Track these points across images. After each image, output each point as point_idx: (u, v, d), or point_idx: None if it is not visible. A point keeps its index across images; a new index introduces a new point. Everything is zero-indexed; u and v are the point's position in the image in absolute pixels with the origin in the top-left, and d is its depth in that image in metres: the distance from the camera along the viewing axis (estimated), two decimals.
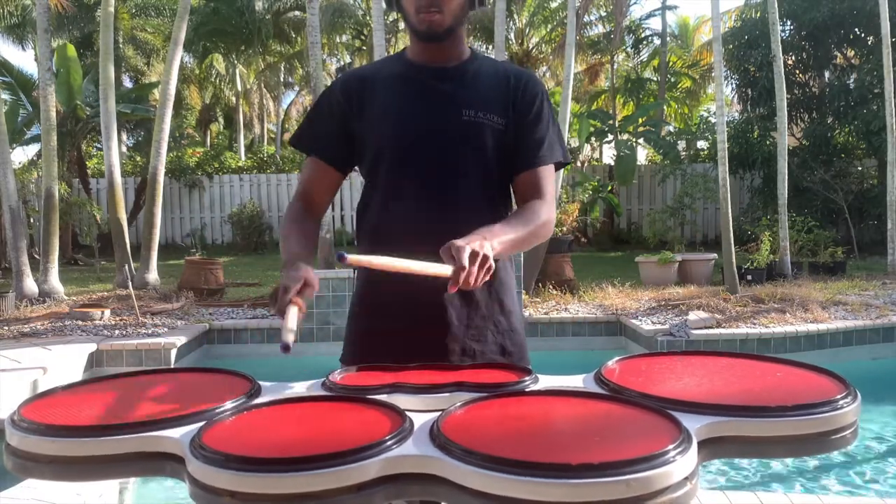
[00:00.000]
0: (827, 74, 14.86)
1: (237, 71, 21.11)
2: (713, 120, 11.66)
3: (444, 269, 1.20)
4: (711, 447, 1.04)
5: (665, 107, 17.60)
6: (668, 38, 17.97)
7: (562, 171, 10.51)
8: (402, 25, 18.23)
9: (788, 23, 13.62)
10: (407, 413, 1.08)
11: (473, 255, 1.19)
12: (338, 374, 1.35)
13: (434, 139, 1.49)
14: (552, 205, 1.52)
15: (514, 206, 1.60)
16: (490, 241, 1.26)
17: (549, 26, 18.29)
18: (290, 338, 1.15)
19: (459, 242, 1.21)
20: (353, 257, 1.14)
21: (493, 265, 1.24)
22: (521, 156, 1.53)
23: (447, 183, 1.48)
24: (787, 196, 9.15)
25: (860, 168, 13.33)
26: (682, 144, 15.56)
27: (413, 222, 1.48)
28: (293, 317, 1.21)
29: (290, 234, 1.50)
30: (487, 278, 1.23)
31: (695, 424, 1.02)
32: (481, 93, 1.51)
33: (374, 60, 1.80)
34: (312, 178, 1.59)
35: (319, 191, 1.59)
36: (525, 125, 1.52)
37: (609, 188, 13.81)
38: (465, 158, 1.49)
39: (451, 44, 1.51)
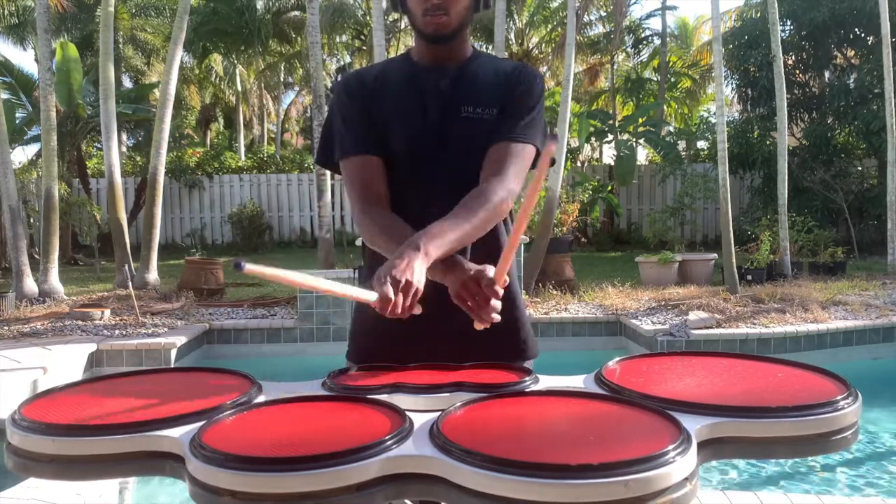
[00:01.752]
0: (827, 74, 14.86)
1: (237, 71, 21.12)
2: (713, 120, 11.66)
3: (369, 295, 1.11)
4: (712, 448, 1.04)
5: (665, 107, 17.60)
6: (668, 38, 17.97)
7: (561, 170, 10.52)
8: (401, 25, 18.24)
9: (788, 23, 13.62)
10: (407, 413, 1.08)
11: (396, 283, 1.14)
12: (338, 373, 1.35)
13: (437, 137, 1.49)
14: (510, 181, 1.43)
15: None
16: (422, 256, 1.21)
17: (549, 26, 18.30)
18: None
19: (383, 271, 1.15)
20: (251, 267, 0.94)
21: (421, 287, 1.18)
22: (497, 131, 1.49)
23: (456, 182, 1.48)
24: (787, 196, 9.15)
25: (860, 168, 13.33)
26: (682, 144, 15.57)
27: (425, 224, 1.48)
28: None
29: (388, 230, 1.39)
30: (412, 304, 1.17)
31: (695, 425, 1.02)
32: (480, 89, 1.52)
33: (377, 61, 1.80)
34: (367, 176, 1.48)
35: (381, 185, 1.49)
36: (511, 107, 1.50)
37: (609, 188, 13.82)
38: (466, 154, 1.50)
39: (457, 45, 1.52)
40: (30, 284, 7.76)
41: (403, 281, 1.15)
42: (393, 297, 1.12)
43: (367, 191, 1.47)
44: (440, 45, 1.49)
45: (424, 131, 1.50)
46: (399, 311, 1.15)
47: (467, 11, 1.48)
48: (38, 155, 13.06)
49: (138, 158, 16.16)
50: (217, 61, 20.82)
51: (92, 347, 5.68)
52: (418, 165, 1.50)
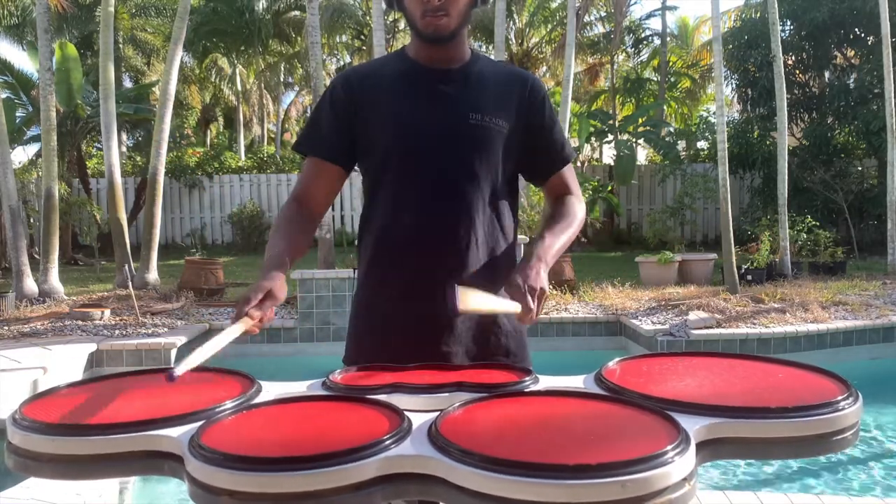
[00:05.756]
0: (827, 74, 14.86)
1: (237, 71, 21.12)
2: (713, 120, 11.66)
3: (510, 306, 1.28)
4: (711, 448, 1.04)
5: (665, 107, 17.59)
6: (668, 38, 17.97)
7: None
8: (401, 25, 18.23)
9: (788, 23, 13.62)
10: (406, 413, 1.08)
11: (533, 293, 1.30)
12: (337, 373, 1.35)
13: (441, 143, 1.48)
14: (581, 198, 1.64)
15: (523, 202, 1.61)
16: (544, 265, 1.38)
17: (549, 26, 18.30)
18: (178, 370, 1.11)
19: (519, 281, 1.31)
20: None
21: (547, 291, 1.34)
22: (546, 160, 1.59)
23: (454, 185, 1.48)
24: (787, 196, 9.15)
25: (860, 168, 13.32)
26: (682, 144, 15.57)
27: (421, 225, 1.48)
28: (209, 347, 1.19)
29: (277, 233, 1.48)
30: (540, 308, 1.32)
31: (694, 425, 1.02)
32: (486, 96, 1.51)
33: (373, 59, 1.79)
34: (311, 178, 1.55)
35: (318, 191, 1.55)
36: (542, 130, 1.56)
37: (609, 188, 13.81)
38: (471, 161, 1.49)
39: (455, 45, 1.50)
40: (30, 284, 7.76)
41: (539, 289, 1.32)
42: (534, 307, 1.29)
43: (300, 190, 1.55)
44: (439, 45, 1.48)
45: (426, 135, 1.49)
46: (535, 317, 1.30)
47: (467, 11, 1.46)
48: (38, 155, 13.06)
49: (138, 158, 16.15)
50: (221, 61, 20.82)
51: (92, 347, 5.68)
52: (416, 169, 1.49)
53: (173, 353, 5.78)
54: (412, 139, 1.49)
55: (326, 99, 1.55)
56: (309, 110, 21.84)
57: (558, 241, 1.47)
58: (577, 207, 1.58)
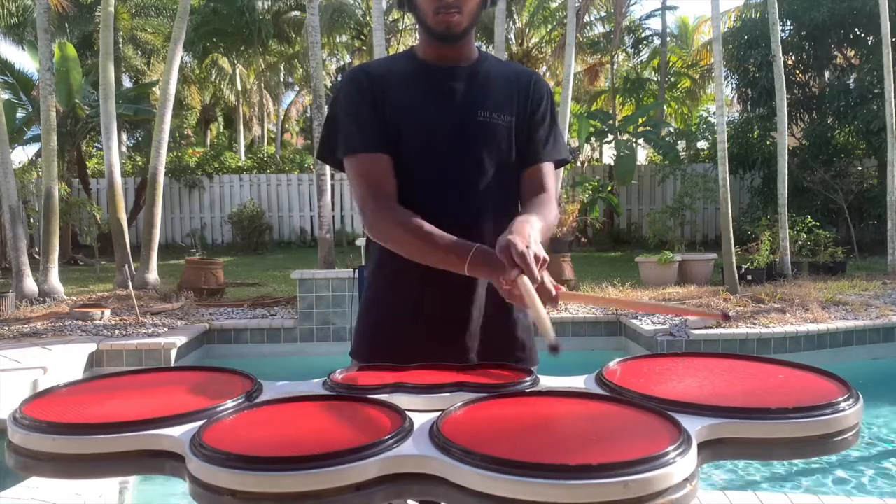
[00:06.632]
0: (827, 74, 14.87)
1: (237, 71, 21.13)
2: (713, 120, 11.66)
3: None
4: (712, 449, 1.04)
5: (665, 107, 17.59)
6: (667, 38, 17.98)
7: (562, 171, 10.51)
8: (401, 25, 18.23)
9: (788, 23, 13.63)
10: (407, 413, 1.08)
11: (538, 261, 1.21)
12: (338, 373, 1.35)
13: (451, 139, 1.49)
14: (554, 200, 1.56)
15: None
16: (538, 234, 1.28)
17: (549, 26, 18.32)
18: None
19: (521, 247, 1.19)
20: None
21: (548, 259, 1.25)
22: (526, 152, 1.56)
23: (464, 182, 1.49)
24: (787, 196, 9.15)
25: (860, 168, 13.33)
26: (682, 144, 15.57)
27: (430, 221, 1.48)
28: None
29: (424, 229, 1.37)
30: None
31: (695, 426, 1.02)
32: (493, 93, 1.53)
33: (381, 57, 1.79)
34: (379, 174, 1.46)
35: (392, 185, 1.46)
36: (532, 124, 1.56)
37: (609, 188, 13.81)
38: (480, 157, 1.50)
39: (464, 43, 1.51)
40: (30, 284, 7.76)
41: (542, 258, 1.22)
42: (539, 276, 1.21)
43: (378, 189, 1.45)
44: (449, 43, 1.48)
45: (437, 132, 1.49)
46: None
47: (478, 9, 1.47)
48: (38, 155, 13.06)
49: (138, 158, 16.15)
50: (223, 61, 20.82)
51: (92, 347, 5.68)
52: (424, 163, 1.49)
53: (173, 353, 5.78)
54: (422, 136, 1.49)
55: (353, 92, 1.50)
56: (309, 110, 21.83)
57: (541, 225, 1.35)
58: (552, 205, 1.49)
